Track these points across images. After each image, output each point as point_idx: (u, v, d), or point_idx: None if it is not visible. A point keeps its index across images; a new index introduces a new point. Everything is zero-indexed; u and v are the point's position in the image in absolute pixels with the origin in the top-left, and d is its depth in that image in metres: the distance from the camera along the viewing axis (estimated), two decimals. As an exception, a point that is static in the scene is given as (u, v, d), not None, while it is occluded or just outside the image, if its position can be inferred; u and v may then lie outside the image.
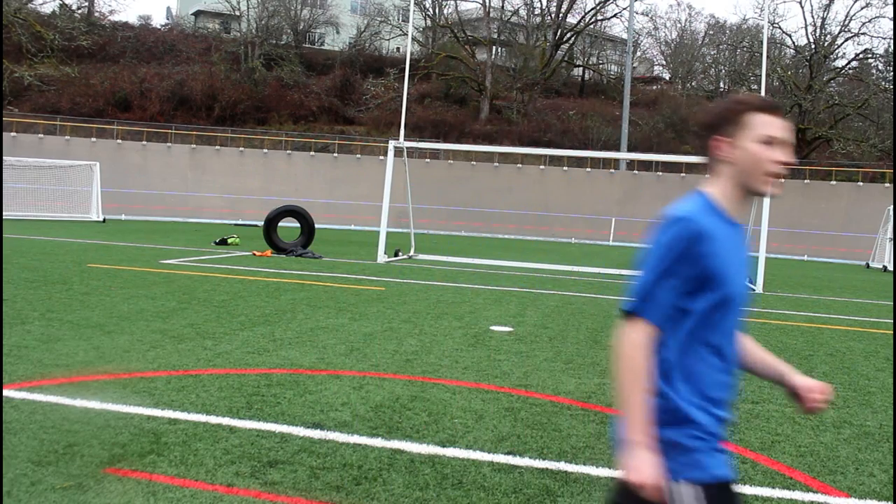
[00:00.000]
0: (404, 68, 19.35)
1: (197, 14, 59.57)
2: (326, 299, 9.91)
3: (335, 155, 40.88)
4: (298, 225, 18.36)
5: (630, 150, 42.63)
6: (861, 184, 38.50)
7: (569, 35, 56.10)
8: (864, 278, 21.50)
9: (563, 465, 3.95)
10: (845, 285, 18.05)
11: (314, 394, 5.09)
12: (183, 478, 3.51)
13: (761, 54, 19.28)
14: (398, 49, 57.33)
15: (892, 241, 26.71)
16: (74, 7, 49.51)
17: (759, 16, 49.16)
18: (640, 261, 1.79)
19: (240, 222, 33.44)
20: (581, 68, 62.03)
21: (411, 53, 24.01)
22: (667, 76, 65.18)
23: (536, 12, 56.57)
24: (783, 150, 1.82)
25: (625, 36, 52.23)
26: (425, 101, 50.39)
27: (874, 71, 50.14)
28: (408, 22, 29.02)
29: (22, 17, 43.08)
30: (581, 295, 12.18)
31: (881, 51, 48.40)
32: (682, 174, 40.11)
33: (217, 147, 39.83)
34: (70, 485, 3.37)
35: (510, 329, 8.31)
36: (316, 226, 18.64)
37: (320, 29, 57.41)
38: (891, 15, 44.69)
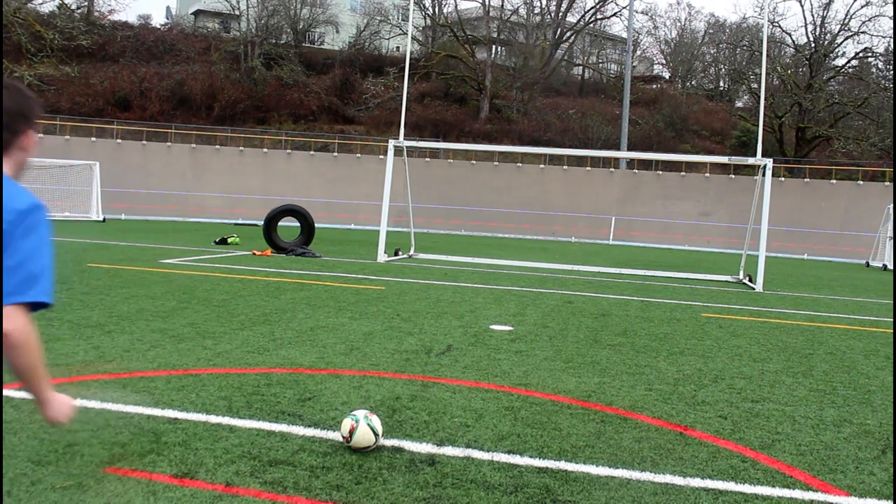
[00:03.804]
0: (404, 67, 19.34)
1: (196, 13, 59.55)
2: (326, 298, 9.91)
3: (335, 154, 40.87)
4: (298, 224, 18.35)
5: (630, 149, 42.62)
6: (861, 182, 38.50)
7: (568, 34, 56.08)
8: (863, 277, 21.50)
9: (563, 464, 3.95)
10: (845, 284, 18.05)
11: (314, 393, 5.10)
12: (183, 478, 3.51)
13: (761, 53, 19.27)
14: (398, 48, 57.31)
15: (892, 240, 26.71)
16: (74, 7, 49.47)
17: (759, 14, 49.14)
18: (34, 250, 1.86)
19: (240, 222, 33.43)
20: (581, 67, 62.01)
21: (411, 52, 24.01)
22: (666, 75, 65.18)
23: (536, 11, 56.58)
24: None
25: (624, 35, 52.22)
26: (425, 100, 50.37)
27: (874, 70, 50.12)
28: (407, 21, 28.99)
29: (21, 16, 43.05)
30: (581, 294, 12.18)
31: (881, 49, 48.40)
32: (682, 173, 40.09)
33: (217, 146, 39.82)
34: (70, 484, 3.37)
35: (510, 328, 8.31)
36: (316, 225, 18.64)
37: (320, 28, 57.37)
38: (891, 14, 44.68)
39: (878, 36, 51.89)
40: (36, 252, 1.88)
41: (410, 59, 21.32)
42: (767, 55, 20.73)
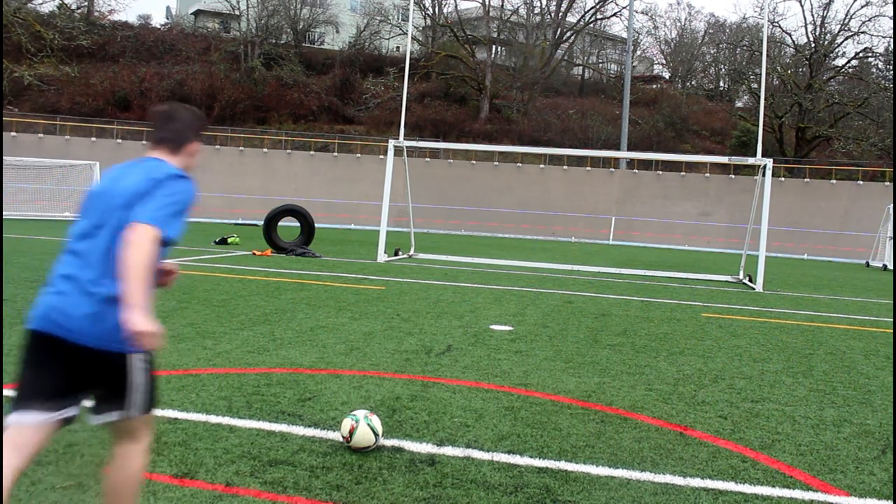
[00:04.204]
0: (404, 67, 19.34)
1: (196, 13, 59.55)
2: (326, 298, 9.91)
3: (335, 154, 40.88)
4: (298, 224, 18.35)
5: (630, 149, 42.61)
6: (861, 182, 38.50)
7: (569, 34, 56.07)
8: (863, 277, 21.50)
9: (563, 464, 3.95)
10: (845, 284, 18.05)
11: (314, 393, 5.10)
12: (183, 478, 3.51)
13: (761, 53, 19.27)
14: (398, 48, 57.31)
15: (892, 240, 26.71)
16: (74, 7, 49.48)
17: (759, 14, 49.12)
18: (164, 196, 2.51)
19: (239, 221, 33.43)
20: (581, 67, 62.00)
21: (411, 53, 24.01)
22: (666, 75, 65.18)
23: (536, 11, 56.58)
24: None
25: (624, 35, 52.22)
26: (425, 100, 50.37)
27: (874, 70, 50.11)
28: (407, 21, 28.99)
29: (21, 16, 43.05)
30: (581, 294, 12.18)
31: (881, 49, 48.39)
32: (682, 173, 40.09)
33: (217, 146, 39.82)
34: (70, 484, 3.37)
35: (510, 328, 8.31)
36: (316, 225, 18.64)
37: (320, 28, 57.38)
38: (891, 14, 44.68)
39: (878, 36, 51.84)
40: (164, 197, 2.51)
41: (410, 59, 21.32)
42: (767, 55, 20.74)
